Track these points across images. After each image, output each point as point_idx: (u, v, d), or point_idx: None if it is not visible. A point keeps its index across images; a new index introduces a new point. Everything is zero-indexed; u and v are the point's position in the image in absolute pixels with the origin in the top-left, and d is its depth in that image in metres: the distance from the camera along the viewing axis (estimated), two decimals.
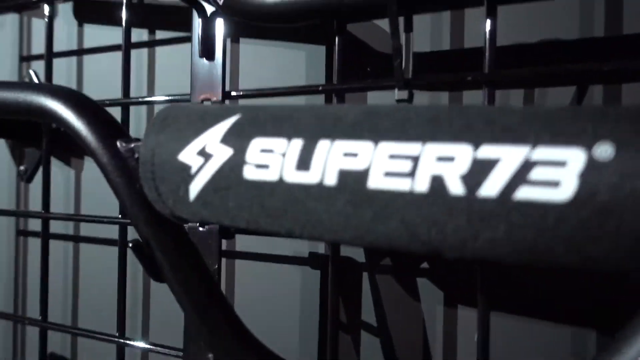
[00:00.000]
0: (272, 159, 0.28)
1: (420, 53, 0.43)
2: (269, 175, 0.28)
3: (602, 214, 0.21)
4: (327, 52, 0.46)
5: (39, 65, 0.68)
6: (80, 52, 0.64)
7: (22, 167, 0.69)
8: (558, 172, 0.22)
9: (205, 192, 0.30)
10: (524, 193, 0.22)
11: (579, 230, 0.22)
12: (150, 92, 0.58)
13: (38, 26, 0.69)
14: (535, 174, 0.22)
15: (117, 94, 0.54)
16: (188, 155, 0.31)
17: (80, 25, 0.64)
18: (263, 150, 0.28)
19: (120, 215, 0.53)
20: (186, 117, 0.32)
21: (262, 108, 0.31)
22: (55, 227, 0.63)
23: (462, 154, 0.23)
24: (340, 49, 0.42)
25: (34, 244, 0.69)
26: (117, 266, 0.54)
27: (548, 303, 0.40)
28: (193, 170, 0.30)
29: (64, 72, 0.64)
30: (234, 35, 0.52)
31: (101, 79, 0.63)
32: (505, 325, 0.40)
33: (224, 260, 0.51)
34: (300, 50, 0.48)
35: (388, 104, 0.30)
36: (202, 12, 0.42)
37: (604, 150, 0.21)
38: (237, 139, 0.29)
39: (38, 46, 0.69)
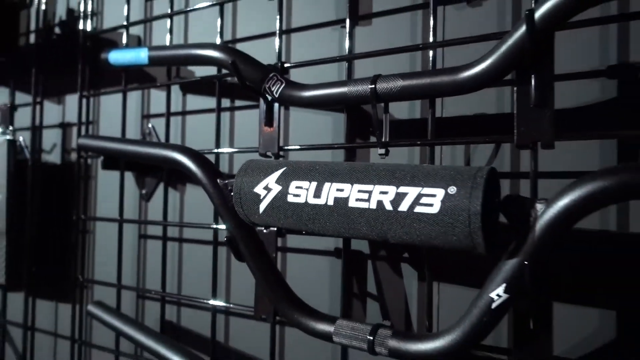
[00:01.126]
0: (302, 192, 0.50)
1: (401, 120, 0.64)
2: (300, 200, 0.50)
3: (452, 219, 0.42)
4: (345, 118, 0.67)
5: (155, 120, 0.94)
6: (184, 113, 0.88)
7: (143, 191, 0.93)
8: (432, 199, 0.42)
9: (267, 209, 0.53)
10: (418, 209, 0.43)
11: (442, 227, 0.42)
12: (231, 142, 0.82)
13: (154, 93, 0.95)
14: (423, 200, 0.43)
15: (206, 139, 0.79)
16: (258, 189, 0.53)
17: (184, 95, 0.89)
18: (297, 187, 0.50)
19: (214, 223, 0.77)
20: (257, 168, 0.54)
21: (297, 163, 0.53)
22: (162, 231, 0.88)
23: (391, 190, 0.44)
24: (352, 118, 0.64)
25: (151, 244, 0.94)
26: (204, 257, 0.79)
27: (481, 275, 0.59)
28: (261, 197, 0.53)
29: (172, 126, 0.89)
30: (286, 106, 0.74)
31: (196, 130, 0.88)
32: (448, 291, 0.60)
33: (279, 252, 0.74)
34: (328, 116, 0.70)
35: (363, 162, 0.51)
36: (265, 99, 0.65)
37: (452, 189, 0.42)
38: (284, 181, 0.51)
39: (154, 107, 0.93)
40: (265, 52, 0.72)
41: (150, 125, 0.92)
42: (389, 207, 0.45)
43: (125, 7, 0.89)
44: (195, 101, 0.86)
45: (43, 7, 1.08)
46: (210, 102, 0.83)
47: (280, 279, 0.61)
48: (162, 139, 0.86)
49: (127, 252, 0.92)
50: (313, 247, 0.71)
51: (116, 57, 0.80)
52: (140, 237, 0.93)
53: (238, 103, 0.81)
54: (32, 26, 1.14)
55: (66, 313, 1.01)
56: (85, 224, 1.00)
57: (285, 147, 0.65)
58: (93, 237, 1.01)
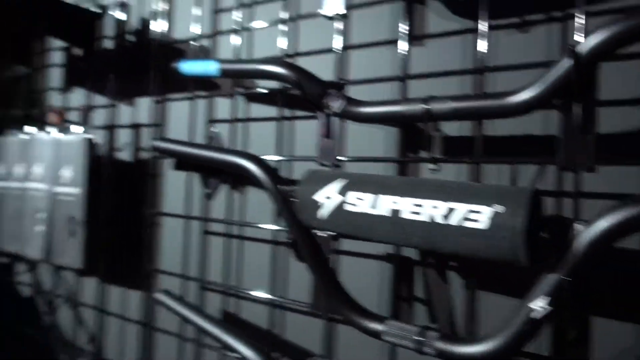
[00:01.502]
0: (359, 202, 0.55)
1: (451, 137, 0.68)
2: (358, 210, 0.55)
3: (498, 234, 0.46)
4: (399, 134, 0.70)
5: (219, 125, 1.01)
6: (247, 120, 0.95)
7: (207, 190, 1.02)
8: (480, 216, 0.47)
9: (327, 215, 0.58)
10: (467, 224, 0.47)
11: (488, 242, 0.46)
12: (291, 150, 0.85)
13: (219, 100, 1.03)
14: (471, 215, 0.47)
15: (267, 145, 0.85)
16: (318, 197, 0.58)
17: (247, 103, 0.96)
18: (356, 198, 0.56)
19: (273, 224, 0.83)
20: (318, 178, 0.60)
21: (355, 175, 0.58)
22: (224, 228, 0.96)
23: (442, 205, 0.49)
24: (404, 134, 0.69)
25: (215, 240, 1.01)
26: (263, 254, 0.85)
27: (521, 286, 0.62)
28: (322, 204, 0.58)
29: (238, 132, 0.96)
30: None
31: (258, 137, 0.94)
32: (490, 300, 0.64)
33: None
34: (381, 130, 0.75)
35: (415, 177, 0.55)
36: (324, 113, 0.70)
37: (498, 207, 0.46)
38: (344, 191, 0.56)
39: (219, 112, 1.00)
40: (320, 66, 0.77)
41: (216, 130, 0.99)
42: (439, 220, 0.49)
43: (196, 16, 0.96)
44: (258, 109, 0.93)
45: (121, 16, 1.17)
46: (272, 110, 0.89)
47: (335, 279, 0.66)
48: (226, 143, 0.93)
49: (192, 246, 1.00)
50: (365, 251, 0.76)
51: (187, 67, 0.87)
52: (204, 233, 1.01)
53: (298, 113, 0.87)
54: (108, 34, 1.24)
55: (134, 299, 1.10)
56: (154, 219, 1.09)
57: (342, 158, 0.70)
58: (161, 230, 1.10)
